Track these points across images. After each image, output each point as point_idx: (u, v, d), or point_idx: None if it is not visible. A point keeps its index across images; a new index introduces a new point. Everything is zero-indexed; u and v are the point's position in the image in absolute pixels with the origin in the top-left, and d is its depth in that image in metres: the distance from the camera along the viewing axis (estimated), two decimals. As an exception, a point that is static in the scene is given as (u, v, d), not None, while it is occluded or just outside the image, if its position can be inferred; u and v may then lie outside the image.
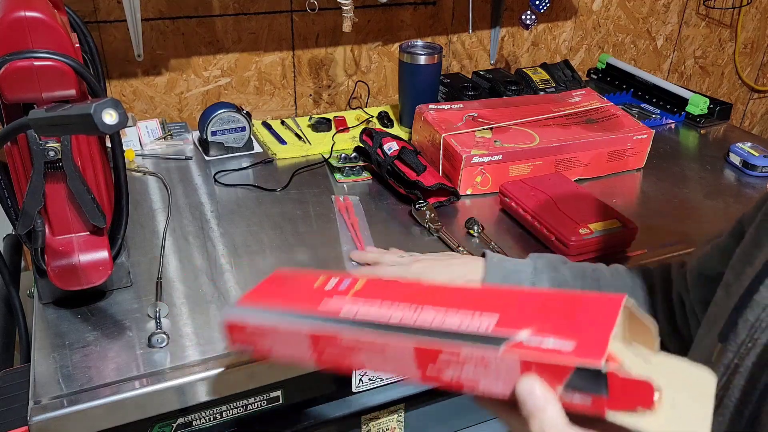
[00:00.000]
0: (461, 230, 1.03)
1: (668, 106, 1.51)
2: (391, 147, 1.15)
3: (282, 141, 1.30)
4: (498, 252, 0.97)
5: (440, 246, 0.99)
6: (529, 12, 1.43)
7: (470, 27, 1.50)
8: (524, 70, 1.51)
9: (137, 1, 1.17)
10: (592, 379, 0.39)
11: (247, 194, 1.13)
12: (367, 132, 1.21)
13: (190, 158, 1.24)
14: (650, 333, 0.44)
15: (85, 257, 0.79)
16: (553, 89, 1.47)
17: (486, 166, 1.12)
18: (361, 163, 1.20)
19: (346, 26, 1.26)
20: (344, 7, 1.24)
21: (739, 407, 0.53)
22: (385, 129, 1.34)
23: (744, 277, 0.61)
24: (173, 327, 0.81)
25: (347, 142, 1.30)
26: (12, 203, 0.81)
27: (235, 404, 0.82)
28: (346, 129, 1.36)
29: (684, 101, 1.49)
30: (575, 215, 0.99)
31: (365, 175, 1.20)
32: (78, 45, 0.78)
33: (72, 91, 0.71)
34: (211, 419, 0.82)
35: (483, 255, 0.86)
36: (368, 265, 0.91)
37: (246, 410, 0.83)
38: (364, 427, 0.93)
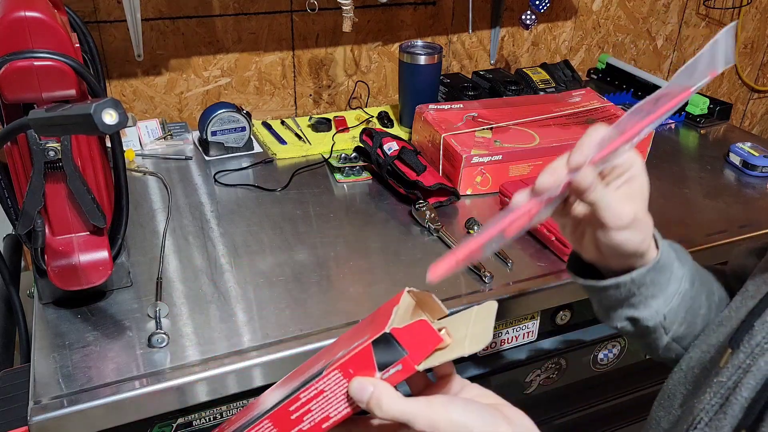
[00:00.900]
0: (461, 230, 1.04)
1: (668, 106, 1.51)
2: (391, 147, 1.15)
3: (282, 141, 1.30)
4: (498, 252, 0.97)
5: (440, 246, 0.99)
6: (529, 12, 1.43)
7: (470, 27, 1.50)
8: (524, 70, 1.51)
9: (137, 1, 1.17)
10: (390, 350, 0.47)
11: (247, 194, 1.13)
12: (367, 132, 1.21)
13: (190, 158, 1.24)
14: (437, 306, 0.53)
15: (85, 257, 0.79)
16: (553, 89, 1.47)
17: (486, 166, 1.12)
18: (361, 163, 1.20)
19: (346, 26, 1.26)
20: (344, 7, 1.24)
21: (749, 406, 0.53)
22: (385, 129, 1.34)
23: (764, 285, 0.61)
24: (173, 327, 0.81)
25: (347, 142, 1.30)
26: (12, 203, 0.81)
27: (235, 404, 0.82)
28: (346, 129, 1.36)
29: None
30: (575, 215, 0.98)
31: (365, 175, 1.20)
32: (78, 45, 0.78)
33: (72, 91, 0.71)
34: (211, 419, 0.82)
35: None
36: None
37: (246, 410, 0.83)
38: (364, 427, 0.93)
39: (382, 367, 0.48)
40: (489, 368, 0.96)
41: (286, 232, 1.02)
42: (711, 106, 1.47)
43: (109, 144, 0.85)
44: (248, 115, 1.25)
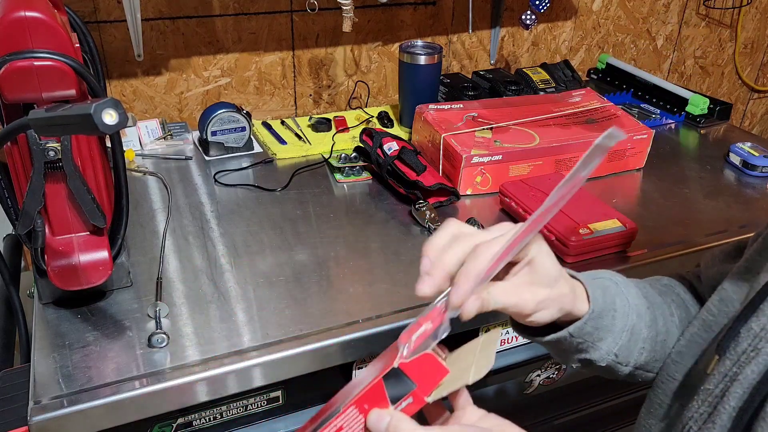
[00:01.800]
0: (461, 230, 1.03)
1: (668, 106, 1.51)
2: (391, 147, 1.15)
3: (282, 141, 1.30)
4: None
5: (440, 246, 0.99)
6: (529, 12, 1.43)
7: (470, 27, 1.50)
8: (524, 70, 1.51)
9: (137, 1, 1.17)
10: (400, 384, 0.49)
11: (247, 194, 1.13)
12: (367, 132, 1.21)
13: (190, 158, 1.24)
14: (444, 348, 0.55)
15: (85, 257, 0.79)
16: (553, 89, 1.47)
17: (486, 166, 1.12)
18: (361, 163, 1.20)
19: (346, 26, 1.26)
20: (344, 7, 1.24)
21: (737, 416, 0.52)
22: (385, 129, 1.34)
23: (745, 286, 0.61)
24: (173, 327, 0.81)
25: (347, 142, 1.30)
26: (12, 203, 0.81)
27: (235, 404, 0.82)
28: (346, 129, 1.36)
29: (684, 101, 1.49)
30: (575, 215, 0.99)
31: (365, 175, 1.20)
32: (78, 45, 0.78)
33: (72, 91, 0.71)
34: (211, 419, 0.82)
35: None
36: None
37: (246, 410, 0.83)
38: (364, 427, 0.93)
39: (395, 401, 0.50)
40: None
41: (286, 232, 1.02)
42: (711, 106, 1.47)
43: (109, 144, 0.85)
44: (248, 115, 1.25)
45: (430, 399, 0.50)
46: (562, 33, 1.73)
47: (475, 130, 1.18)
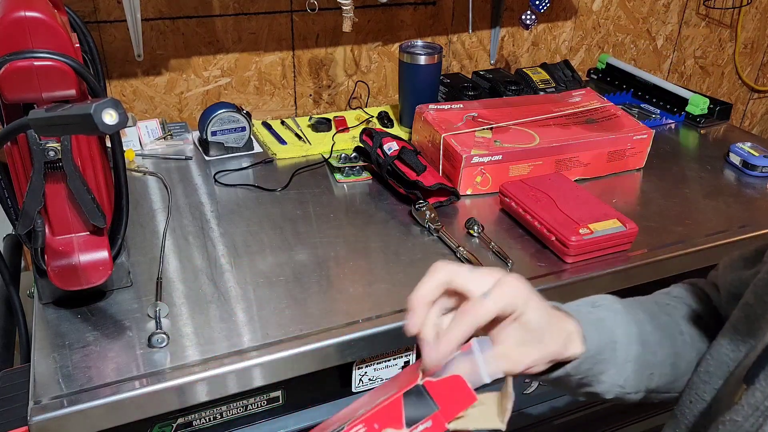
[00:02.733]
0: (461, 230, 1.04)
1: (668, 106, 1.51)
2: (391, 147, 1.15)
3: (282, 141, 1.30)
4: (498, 252, 0.97)
5: (440, 246, 0.99)
6: (529, 12, 1.43)
7: (470, 27, 1.50)
8: (524, 70, 1.51)
9: (137, 1, 1.17)
10: (421, 404, 0.46)
11: (247, 194, 1.13)
12: (367, 132, 1.21)
13: (190, 158, 1.24)
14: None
15: (85, 257, 0.79)
16: (553, 89, 1.47)
17: (486, 166, 1.12)
18: (361, 163, 1.20)
19: (346, 26, 1.26)
20: (344, 7, 1.24)
21: None
22: (385, 129, 1.34)
23: None
24: (173, 327, 0.81)
25: (347, 142, 1.30)
26: (12, 203, 0.81)
27: (235, 404, 0.82)
28: (346, 129, 1.36)
29: (684, 101, 1.49)
30: (575, 215, 0.99)
31: (365, 175, 1.20)
32: (78, 45, 0.78)
33: (72, 91, 0.71)
34: (211, 419, 0.82)
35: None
36: None
37: (246, 410, 0.83)
38: (364, 427, 0.93)
39: (410, 423, 0.47)
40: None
41: (286, 232, 1.02)
42: (711, 106, 1.47)
43: (109, 144, 0.85)
44: (248, 115, 1.25)
45: (451, 426, 0.47)
46: (562, 33, 1.73)
47: (475, 130, 1.18)
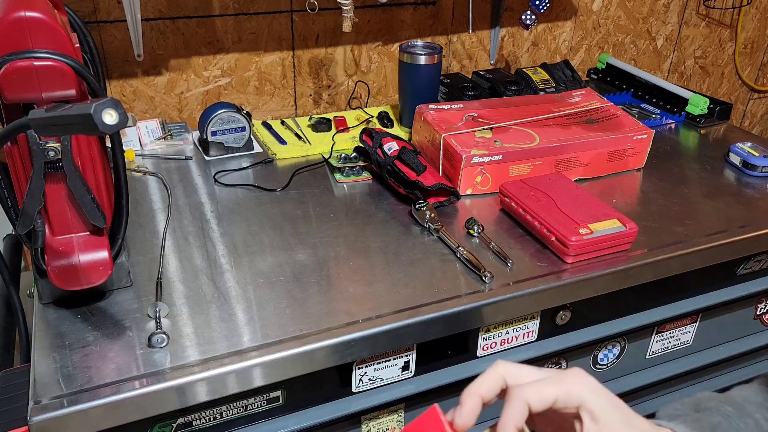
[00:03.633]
0: (461, 230, 1.04)
1: (668, 106, 1.51)
2: (391, 147, 1.15)
3: (282, 141, 1.30)
4: (498, 252, 0.97)
5: (440, 246, 0.99)
6: (529, 12, 1.43)
7: (470, 27, 1.50)
8: (524, 70, 1.51)
9: (137, 1, 1.17)
10: None
11: (247, 194, 1.13)
12: (367, 132, 1.21)
13: (190, 158, 1.24)
14: None
15: (85, 257, 0.79)
16: (553, 89, 1.47)
17: (486, 166, 1.12)
18: (361, 163, 1.20)
19: (346, 26, 1.26)
20: (344, 7, 1.24)
21: None
22: (385, 129, 1.34)
23: None
24: (173, 327, 0.81)
25: (347, 142, 1.30)
26: (12, 203, 0.81)
27: (235, 404, 0.82)
28: (346, 129, 1.36)
29: (684, 101, 1.49)
30: (575, 215, 0.99)
31: (365, 175, 1.20)
32: (78, 45, 0.78)
33: (72, 91, 0.71)
34: (211, 419, 0.82)
35: None
36: None
37: (246, 410, 0.83)
38: (364, 427, 0.93)
39: None
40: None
41: (286, 232, 1.02)
42: (711, 106, 1.47)
43: (109, 144, 0.85)
44: (248, 115, 1.25)
45: None
46: (562, 33, 1.73)
47: (475, 130, 1.18)
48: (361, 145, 1.20)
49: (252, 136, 1.27)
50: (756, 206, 1.14)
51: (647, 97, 1.56)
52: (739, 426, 0.54)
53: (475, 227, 1.02)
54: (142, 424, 0.76)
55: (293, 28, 1.42)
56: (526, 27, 1.45)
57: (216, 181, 1.16)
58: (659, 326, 1.10)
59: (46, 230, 0.78)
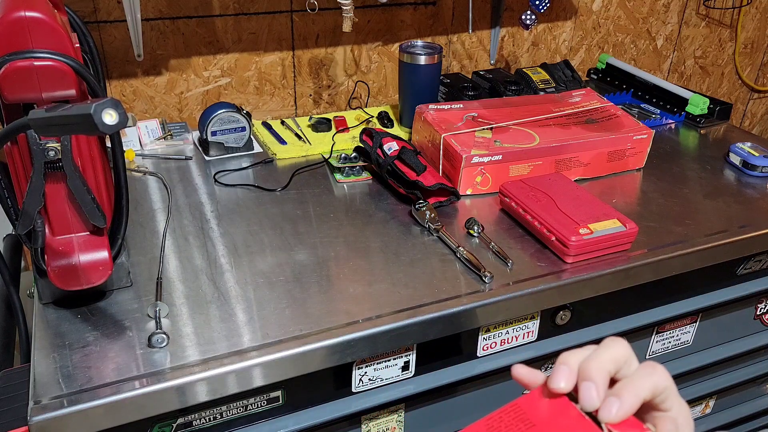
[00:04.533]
0: (461, 230, 1.04)
1: (668, 106, 1.51)
2: (391, 147, 1.15)
3: (282, 141, 1.30)
4: (498, 252, 0.97)
5: (440, 246, 0.99)
6: (529, 12, 1.43)
7: (470, 27, 1.50)
8: (524, 70, 1.51)
9: (137, 1, 1.17)
10: None
11: (247, 194, 1.13)
12: (367, 132, 1.21)
13: (190, 158, 1.24)
14: None
15: (85, 257, 0.79)
16: (553, 89, 1.47)
17: (486, 166, 1.12)
18: (361, 163, 1.20)
19: (346, 26, 1.26)
20: (344, 7, 1.24)
21: None
22: (385, 129, 1.34)
23: None
24: (173, 327, 0.81)
25: (347, 142, 1.30)
26: (12, 203, 0.81)
27: (235, 404, 0.82)
28: (346, 129, 1.36)
29: (684, 101, 1.49)
30: (575, 215, 0.99)
31: (365, 175, 1.20)
32: (78, 45, 0.78)
33: (72, 91, 0.71)
34: (211, 419, 0.82)
35: None
36: None
37: (246, 410, 0.83)
38: (364, 427, 0.93)
39: None
40: (489, 368, 0.96)
41: (286, 232, 1.02)
42: (711, 106, 1.47)
43: (109, 144, 0.85)
44: (248, 115, 1.25)
45: None
46: (562, 33, 1.73)
47: (475, 130, 1.18)
48: (361, 145, 1.20)
49: (252, 136, 1.27)
50: (756, 206, 1.14)
51: (647, 97, 1.56)
52: None
53: (475, 227, 1.02)
54: (142, 424, 0.76)
55: (293, 28, 1.42)
56: (526, 27, 1.45)
57: (216, 181, 1.16)
58: (659, 326, 1.10)
59: (46, 230, 0.78)
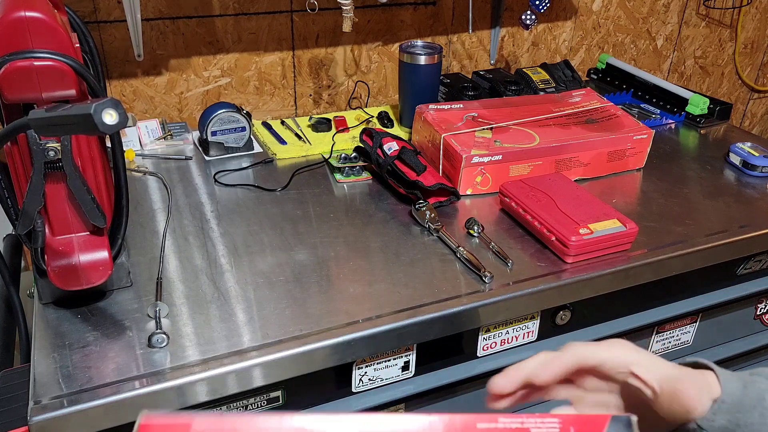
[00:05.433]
0: (461, 230, 1.03)
1: (668, 106, 1.51)
2: (391, 147, 1.15)
3: (282, 141, 1.30)
4: (498, 252, 0.97)
5: (440, 246, 0.99)
6: (529, 12, 1.43)
7: (470, 27, 1.50)
8: (524, 70, 1.51)
9: (137, 1, 1.17)
10: None
11: (247, 194, 1.13)
12: (367, 132, 1.21)
13: (190, 158, 1.24)
14: None
15: (85, 257, 0.79)
16: (553, 89, 1.47)
17: (486, 166, 1.12)
18: (361, 163, 1.20)
19: (346, 26, 1.26)
20: (344, 7, 1.24)
21: None
22: (385, 129, 1.34)
23: None
24: (173, 327, 0.81)
25: (347, 142, 1.30)
26: (12, 203, 0.81)
27: (235, 404, 0.82)
28: (346, 129, 1.36)
29: (684, 101, 1.49)
30: (575, 215, 0.99)
31: (365, 175, 1.20)
32: (78, 45, 0.78)
33: (72, 91, 0.71)
34: (211, 419, 0.82)
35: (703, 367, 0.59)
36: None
37: (246, 410, 0.83)
38: (364, 427, 0.93)
39: None
40: (489, 368, 0.96)
41: (286, 232, 1.02)
42: (711, 106, 1.47)
43: (109, 144, 0.85)
44: (248, 115, 1.25)
45: None
46: (562, 33, 1.73)
47: (475, 130, 1.18)
48: (361, 145, 1.20)
49: (252, 136, 1.27)
50: (756, 206, 1.14)
51: (647, 97, 1.56)
52: None
53: (475, 227, 1.02)
54: (142, 424, 0.76)
55: (293, 28, 1.42)
56: (526, 27, 1.45)
57: (216, 181, 1.16)
58: (659, 326, 1.10)
59: (46, 230, 0.78)
